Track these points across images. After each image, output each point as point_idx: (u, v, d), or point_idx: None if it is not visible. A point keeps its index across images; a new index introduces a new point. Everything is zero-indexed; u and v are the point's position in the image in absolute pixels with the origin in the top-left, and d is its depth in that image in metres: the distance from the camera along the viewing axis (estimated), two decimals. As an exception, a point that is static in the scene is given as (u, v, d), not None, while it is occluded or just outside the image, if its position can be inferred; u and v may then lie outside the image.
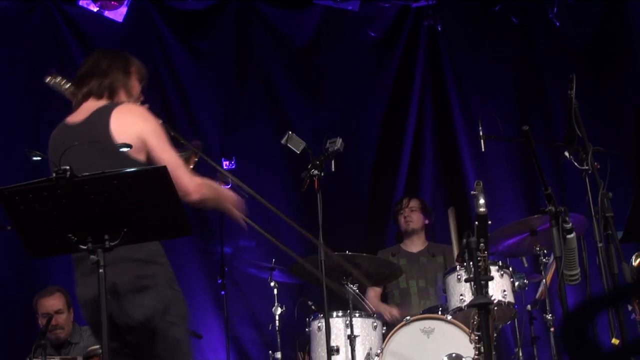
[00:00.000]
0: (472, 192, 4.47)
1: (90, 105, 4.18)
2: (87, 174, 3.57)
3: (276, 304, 6.69)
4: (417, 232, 7.49)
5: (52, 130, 4.30)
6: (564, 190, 8.16)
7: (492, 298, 4.81)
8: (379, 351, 6.07)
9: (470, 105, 8.62)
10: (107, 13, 8.10)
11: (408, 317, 6.13)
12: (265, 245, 8.04)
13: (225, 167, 7.31)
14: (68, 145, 3.83)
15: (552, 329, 6.17)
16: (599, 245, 4.52)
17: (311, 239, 5.36)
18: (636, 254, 5.59)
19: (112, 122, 4.02)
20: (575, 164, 4.70)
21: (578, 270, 4.53)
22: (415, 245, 7.50)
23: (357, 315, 6.22)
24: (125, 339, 4.04)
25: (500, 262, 6.19)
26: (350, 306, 6.09)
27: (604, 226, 4.49)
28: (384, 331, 6.30)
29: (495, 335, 5.75)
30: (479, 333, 4.69)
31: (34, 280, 7.33)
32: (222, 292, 7.37)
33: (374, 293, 7.25)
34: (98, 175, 3.59)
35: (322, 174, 5.42)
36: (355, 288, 6.18)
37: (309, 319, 6.44)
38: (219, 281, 7.40)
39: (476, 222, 4.42)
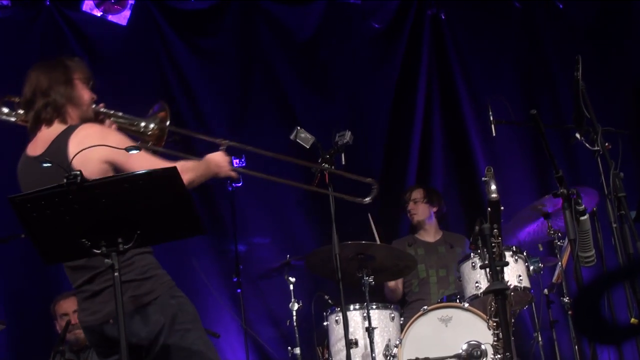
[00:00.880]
0: (483, 179, 4.46)
1: (45, 135, 4.11)
2: (97, 177, 3.59)
3: (293, 299, 6.68)
4: (425, 222, 7.47)
5: None
6: (576, 172, 8.14)
7: (508, 283, 4.80)
8: (397, 342, 6.07)
9: (477, 92, 8.61)
10: (110, 17, 8.11)
11: (425, 307, 6.13)
12: (279, 241, 8.07)
13: (235, 165, 7.31)
14: (33, 178, 3.91)
15: (570, 312, 6.16)
16: (614, 225, 4.51)
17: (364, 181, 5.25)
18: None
19: (70, 153, 3.91)
20: (587, 145, 4.68)
21: (593, 252, 4.52)
22: (430, 234, 7.48)
23: (374, 307, 6.22)
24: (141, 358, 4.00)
25: (514, 247, 6.18)
26: (367, 298, 6.09)
27: (618, 206, 4.47)
28: (401, 322, 6.30)
29: (513, 320, 5.75)
30: (496, 319, 4.69)
31: (50, 287, 7.33)
32: (238, 290, 7.37)
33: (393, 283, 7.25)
34: (109, 179, 3.59)
35: (333, 168, 5.41)
36: (371, 280, 6.18)
37: (326, 313, 6.44)
38: (235, 279, 7.40)
39: (488, 208, 4.41)
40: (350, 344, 5.74)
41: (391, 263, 6.46)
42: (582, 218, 4.42)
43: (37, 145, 4.12)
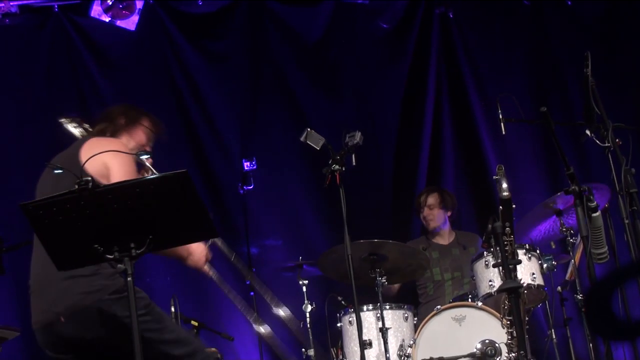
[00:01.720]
0: (494, 177, 4.45)
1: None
2: (108, 183, 3.62)
3: (306, 301, 6.68)
4: (441, 227, 7.44)
5: (70, 143, 4.47)
6: (587, 168, 8.12)
7: (522, 282, 4.78)
8: (411, 342, 6.06)
9: (486, 90, 8.60)
10: (119, 22, 8.11)
11: (439, 306, 6.12)
12: (291, 243, 8.07)
13: (246, 167, 7.33)
14: (49, 184, 4.10)
15: (583, 309, 6.13)
16: (626, 222, 4.50)
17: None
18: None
19: (82, 149, 4.19)
20: (597, 141, 4.67)
21: (606, 249, 4.51)
22: (444, 237, 7.46)
23: (387, 307, 6.22)
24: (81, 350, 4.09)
25: (527, 245, 6.16)
26: (380, 299, 6.08)
27: (629, 202, 4.46)
28: (415, 322, 6.29)
29: (527, 318, 5.74)
30: (510, 318, 4.68)
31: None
32: (252, 293, 7.37)
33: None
34: (120, 184, 3.61)
35: (344, 169, 5.41)
36: (384, 280, 6.18)
37: (339, 314, 6.44)
38: (247, 282, 7.40)
39: (500, 207, 4.40)
40: (364, 344, 5.73)
41: (404, 263, 6.45)
42: (594, 215, 4.41)
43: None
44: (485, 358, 5.82)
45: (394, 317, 6.23)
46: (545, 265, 6.16)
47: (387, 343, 5.97)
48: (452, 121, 8.71)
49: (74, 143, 4.38)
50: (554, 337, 6.39)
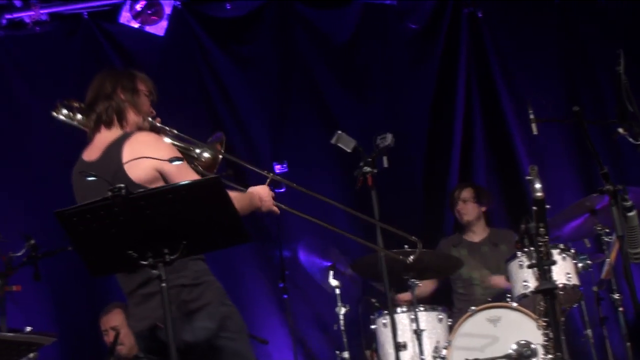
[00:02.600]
0: (527, 178, 4.42)
1: (102, 139, 4.19)
2: (141, 190, 3.61)
3: (339, 303, 6.66)
4: (475, 222, 7.44)
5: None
6: (620, 167, 8.05)
7: (557, 282, 4.75)
8: (446, 344, 6.04)
9: (517, 89, 8.55)
10: (148, 28, 8.15)
11: (473, 308, 6.09)
12: (324, 246, 8.05)
13: (277, 171, 7.33)
14: (88, 184, 3.92)
15: (620, 309, 6.08)
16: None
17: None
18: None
19: (124, 157, 4.00)
20: (630, 139, 4.63)
21: (642, 247, 4.47)
22: (477, 234, 7.45)
23: (421, 309, 6.20)
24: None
25: (562, 245, 6.12)
26: (414, 300, 6.07)
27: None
28: (449, 323, 6.27)
29: (563, 319, 5.71)
30: (546, 319, 4.65)
31: (99, 299, 7.37)
32: (285, 296, 7.38)
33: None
34: (153, 190, 3.63)
35: (375, 171, 5.40)
36: (418, 282, 6.17)
37: (373, 317, 6.42)
38: (281, 285, 7.41)
39: (534, 207, 4.37)
40: (399, 347, 5.72)
41: (436, 264, 6.44)
42: (629, 214, 4.37)
43: (93, 151, 4.20)
44: (521, 359, 5.78)
45: (428, 319, 6.21)
46: (580, 265, 6.12)
47: (422, 345, 5.96)
48: (482, 121, 8.67)
49: (110, 144, 4.12)
50: (590, 336, 6.34)
